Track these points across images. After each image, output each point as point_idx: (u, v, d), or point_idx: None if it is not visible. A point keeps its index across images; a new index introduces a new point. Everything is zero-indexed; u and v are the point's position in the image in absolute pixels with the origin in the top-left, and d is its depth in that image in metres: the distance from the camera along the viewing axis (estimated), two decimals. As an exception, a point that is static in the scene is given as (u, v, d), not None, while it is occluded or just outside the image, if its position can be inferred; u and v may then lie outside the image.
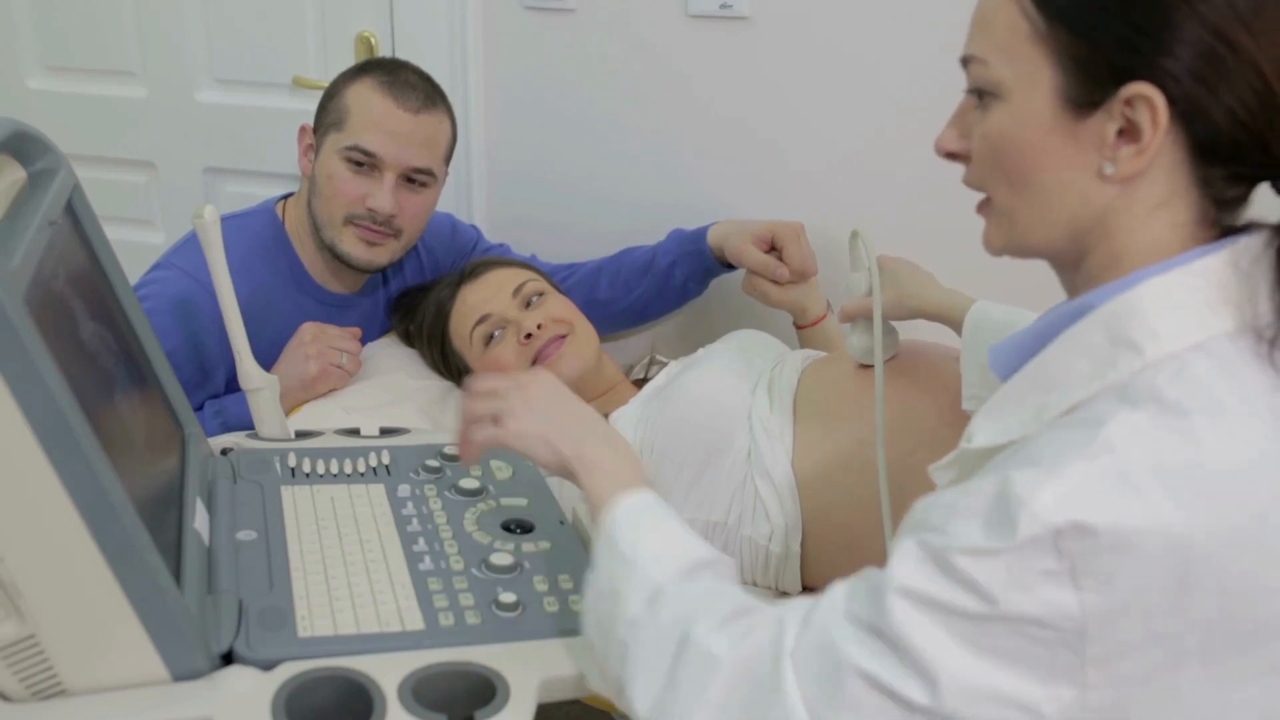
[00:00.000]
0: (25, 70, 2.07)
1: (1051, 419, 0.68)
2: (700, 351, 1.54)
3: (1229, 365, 0.65)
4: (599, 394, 1.51)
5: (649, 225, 1.70)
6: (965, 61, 0.75)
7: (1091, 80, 0.68)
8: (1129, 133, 0.68)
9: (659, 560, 0.78)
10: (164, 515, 0.88)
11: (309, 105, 1.88)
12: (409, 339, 1.61)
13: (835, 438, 1.24)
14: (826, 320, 1.56)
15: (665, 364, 1.56)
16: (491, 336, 1.47)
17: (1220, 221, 0.70)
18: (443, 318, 1.53)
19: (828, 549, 1.23)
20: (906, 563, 0.65)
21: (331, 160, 1.42)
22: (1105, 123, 0.68)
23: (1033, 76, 0.70)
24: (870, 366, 1.21)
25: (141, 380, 1.00)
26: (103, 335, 0.92)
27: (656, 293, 1.64)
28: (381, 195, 1.42)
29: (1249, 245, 0.68)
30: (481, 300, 1.50)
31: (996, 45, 0.72)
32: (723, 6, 1.63)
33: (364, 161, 1.41)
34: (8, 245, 0.74)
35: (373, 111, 1.40)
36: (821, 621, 0.68)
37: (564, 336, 1.46)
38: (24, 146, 0.90)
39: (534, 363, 1.44)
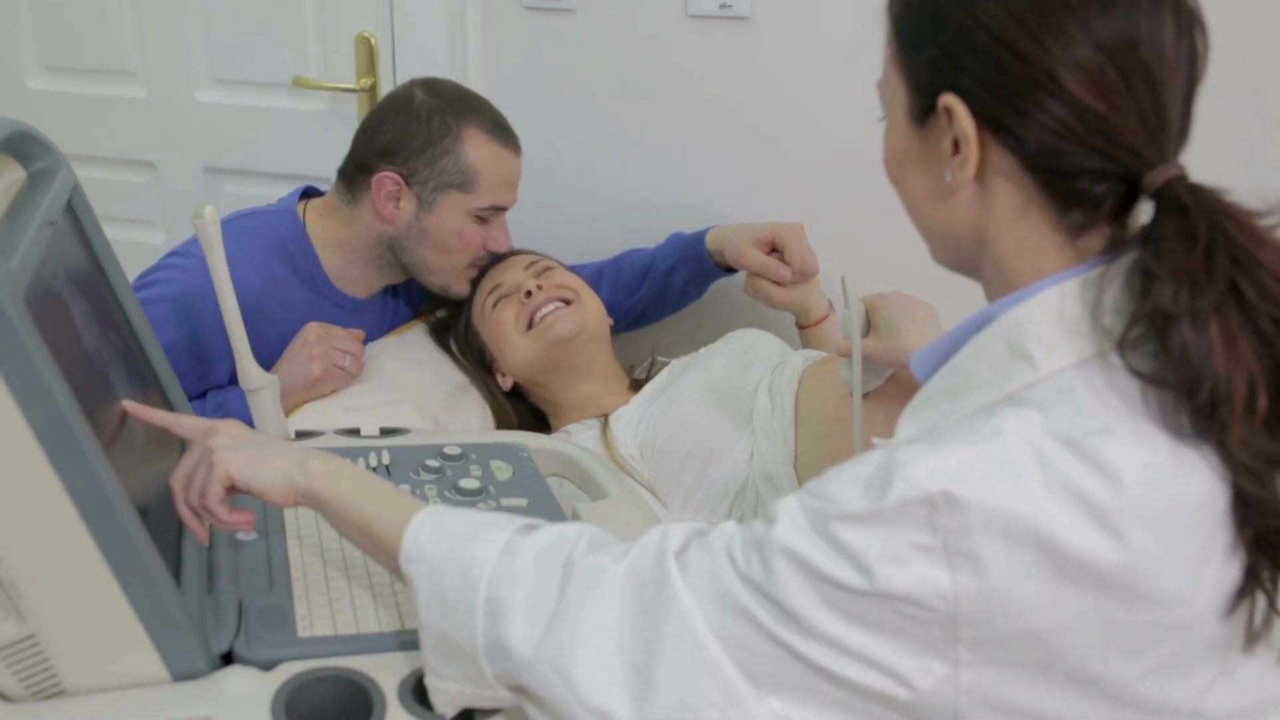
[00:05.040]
0: (25, 70, 2.06)
1: (957, 419, 0.68)
2: (702, 352, 1.54)
3: (1113, 382, 0.63)
4: (593, 378, 1.51)
5: (649, 226, 1.70)
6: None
7: (920, 94, 0.71)
8: (959, 142, 0.69)
9: (495, 525, 0.77)
10: (164, 515, 0.88)
11: (309, 105, 1.91)
12: (444, 328, 1.63)
13: (837, 439, 1.24)
14: (829, 320, 1.56)
15: (666, 364, 1.57)
16: (499, 302, 1.53)
17: (1133, 222, 0.67)
18: (468, 299, 1.59)
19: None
20: (788, 523, 0.66)
21: (457, 217, 1.46)
22: (940, 135, 0.70)
23: (895, 95, 0.73)
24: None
25: (141, 380, 1.00)
26: (103, 335, 0.91)
27: (656, 297, 1.64)
28: (503, 236, 1.52)
29: (1120, 262, 0.65)
30: (497, 273, 1.57)
31: (883, 68, 0.75)
32: (723, 6, 1.63)
33: (492, 217, 1.49)
34: (8, 245, 0.74)
35: (505, 170, 1.47)
36: (707, 559, 0.69)
37: (567, 302, 1.49)
38: (24, 146, 0.90)
39: (530, 324, 1.48)
